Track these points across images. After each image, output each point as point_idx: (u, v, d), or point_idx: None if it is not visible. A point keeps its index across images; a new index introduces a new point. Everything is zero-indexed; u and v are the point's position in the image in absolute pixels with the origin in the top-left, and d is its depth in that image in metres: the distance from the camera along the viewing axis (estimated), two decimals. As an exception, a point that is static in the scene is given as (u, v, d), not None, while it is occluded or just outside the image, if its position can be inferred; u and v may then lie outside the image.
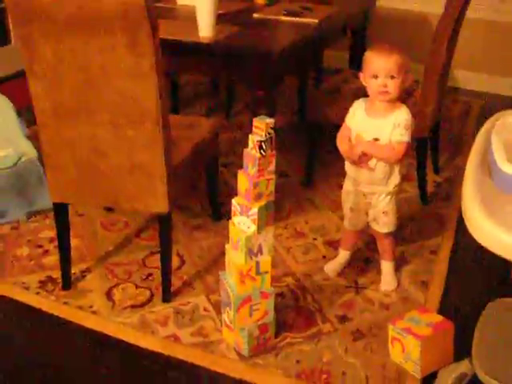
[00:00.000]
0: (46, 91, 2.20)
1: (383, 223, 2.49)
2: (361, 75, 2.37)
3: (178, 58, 2.77)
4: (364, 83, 2.36)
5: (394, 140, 2.31)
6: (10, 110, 3.21)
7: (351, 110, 2.42)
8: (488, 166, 1.46)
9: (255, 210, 2.02)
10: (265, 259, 2.10)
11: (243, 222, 2.05)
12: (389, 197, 2.45)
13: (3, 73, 4.29)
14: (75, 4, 2.02)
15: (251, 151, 2.01)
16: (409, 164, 3.63)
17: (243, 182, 2.06)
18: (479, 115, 4.50)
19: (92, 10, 2.00)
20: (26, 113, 3.43)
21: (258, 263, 2.09)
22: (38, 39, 2.10)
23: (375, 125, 2.33)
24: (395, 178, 2.43)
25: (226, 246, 2.18)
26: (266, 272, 2.13)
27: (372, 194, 2.45)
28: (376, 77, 2.28)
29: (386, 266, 2.60)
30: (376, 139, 2.32)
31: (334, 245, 2.84)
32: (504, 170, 1.34)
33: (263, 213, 2.06)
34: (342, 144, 2.43)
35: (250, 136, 2.03)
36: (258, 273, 2.11)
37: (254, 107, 2.72)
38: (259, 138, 1.98)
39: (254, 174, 2.00)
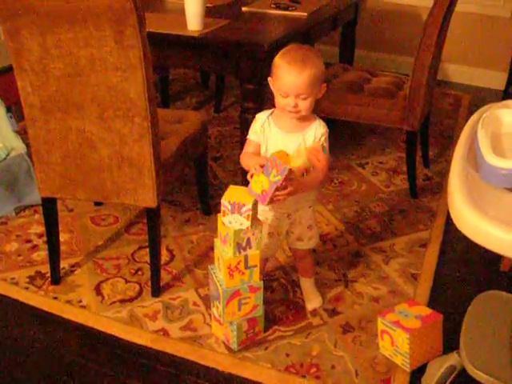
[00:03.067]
0: (33, 86, 2.19)
1: (309, 238, 2.34)
2: (269, 79, 2.13)
3: (167, 52, 2.76)
4: (271, 88, 2.13)
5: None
6: (-1, 105, 3.20)
7: (256, 124, 2.18)
8: (474, 158, 1.47)
9: (249, 206, 2.01)
10: (253, 253, 2.10)
11: (235, 220, 2.04)
12: (311, 208, 2.31)
13: (-9, 68, 4.26)
14: (62, -3, 2.01)
15: (281, 161, 1.98)
16: (399, 158, 3.65)
17: (261, 182, 2.01)
18: (469, 109, 4.52)
19: (79, 2, 1.99)
20: (16, 108, 3.42)
21: (246, 257, 2.09)
22: (25, 34, 2.09)
23: (293, 140, 2.14)
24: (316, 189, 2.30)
25: (215, 240, 2.17)
26: (255, 266, 2.12)
27: (296, 211, 2.27)
28: (286, 95, 2.06)
29: (310, 283, 2.48)
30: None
31: (322, 238, 2.84)
32: (489, 162, 1.34)
33: (255, 208, 2.06)
34: (248, 158, 2.18)
35: (291, 155, 2.06)
36: (246, 267, 2.11)
37: (243, 100, 2.71)
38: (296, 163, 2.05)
39: (276, 181, 1.97)
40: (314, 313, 2.41)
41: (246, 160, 2.18)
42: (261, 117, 2.19)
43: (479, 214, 1.26)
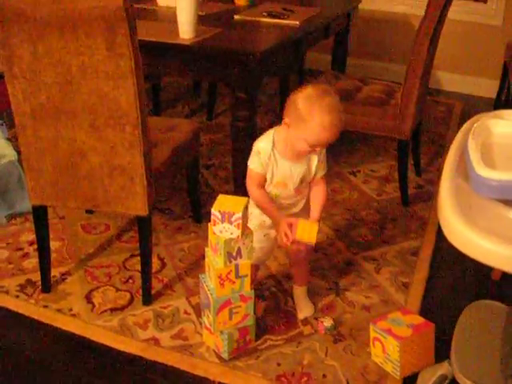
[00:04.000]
0: (24, 93, 2.19)
1: None
2: (286, 120, 2.09)
3: (159, 60, 2.76)
4: (287, 127, 2.10)
5: (320, 175, 2.24)
6: (-10, 111, 3.19)
7: (262, 158, 2.15)
8: (465, 168, 1.47)
9: (239, 215, 2.01)
10: (244, 262, 2.09)
11: (225, 229, 2.04)
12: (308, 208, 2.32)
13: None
14: (53, 6, 2.00)
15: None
16: (390, 166, 3.66)
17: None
18: (460, 117, 4.53)
19: (70, 11, 1.99)
20: (7, 115, 3.41)
21: (237, 266, 2.09)
22: (16, 41, 2.09)
23: (299, 169, 2.18)
24: None
25: (206, 250, 2.17)
26: (246, 275, 2.12)
27: (296, 215, 2.27)
28: (312, 147, 2.09)
29: (302, 291, 2.47)
30: (301, 181, 2.21)
31: (315, 247, 2.83)
32: (479, 174, 1.34)
33: (245, 217, 2.06)
34: (266, 205, 2.19)
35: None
36: (237, 276, 2.10)
37: (235, 109, 2.71)
38: None
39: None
40: (305, 322, 2.40)
41: (263, 204, 2.20)
42: (265, 150, 2.15)
43: (469, 225, 1.26)
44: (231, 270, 2.08)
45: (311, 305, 2.46)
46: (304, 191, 2.27)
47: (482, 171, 1.34)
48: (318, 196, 2.27)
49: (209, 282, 2.18)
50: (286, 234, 2.15)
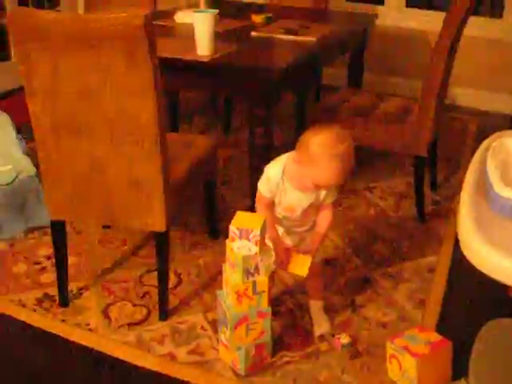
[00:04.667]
0: (44, 108, 2.21)
1: (315, 250, 2.35)
2: (296, 157, 2.15)
3: (177, 76, 2.78)
4: (297, 163, 2.15)
5: (327, 202, 2.28)
6: (9, 126, 3.22)
7: (271, 185, 2.20)
8: (484, 188, 1.47)
9: (257, 232, 2.02)
10: (261, 279, 2.10)
11: (243, 245, 2.05)
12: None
13: (3, 88, 4.30)
14: (75, 23, 2.03)
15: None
16: (407, 182, 3.65)
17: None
18: (476, 133, 4.52)
19: (92, 29, 2.02)
20: (25, 129, 3.44)
21: (254, 283, 2.09)
22: (37, 56, 2.11)
23: (308, 197, 2.23)
24: None
25: (223, 266, 2.18)
26: (263, 292, 2.12)
27: (304, 231, 2.36)
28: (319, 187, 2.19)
29: (319, 307, 2.47)
30: (310, 206, 2.25)
31: (331, 263, 2.84)
32: (499, 193, 1.34)
33: (263, 233, 2.06)
34: (270, 227, 2.23)
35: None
36: (254, 292, 2.11)
37: (252, 126, 2.72)
38: None
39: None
40: (322, 338, 2.40)
41: (267, 225, 2.20)
42: (275, 177, 2.20)
43: (488, 244, 1.26)
44: (249, 287, 2.09)
45: (328, 321, 2.45)
46: (311, 214, 2.30)
47: (502, 191, 1.34)
48: (322, 222, 2.31)
49: (226, 298, 2.18)
50: (281, 261, 2.25)
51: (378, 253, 2.97)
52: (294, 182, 2.19)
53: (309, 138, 2.10)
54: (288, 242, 2.34)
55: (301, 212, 2.25)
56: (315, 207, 2.27)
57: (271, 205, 2.25)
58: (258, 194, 2.26)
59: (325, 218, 2.30)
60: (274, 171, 2.21)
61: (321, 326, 2.43)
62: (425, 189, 3.28)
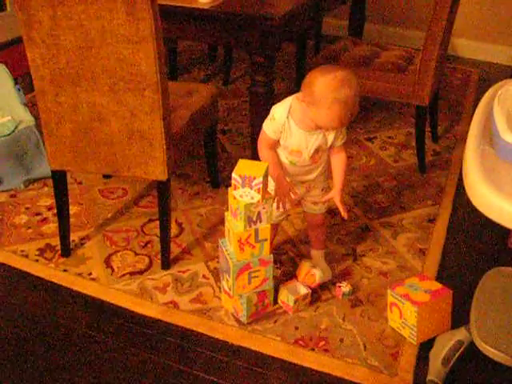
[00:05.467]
0: (44, 58, 2.18)
1: (323, 202, 2.38)
2: (301, 96, 2.10)
3: (177, 24, 2.74)
4: (301, 102, 2.11)
5: (338, 145, 2.24)
6: (7, 77, 3.18)
7: (276, 125, 2.16)
8: (490, 134, 1.46)
9: (260, 179, 2.01)
10: (264, 227, 2.10)
11: (245, 193, 2.05)
12: (325, 173, 2.35)
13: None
14: (73, -31, 2.00)
15: None
16: (407, 132, 3.64)
17: None
18: (478, 84, 4.49)
19: (90, -26, 1.98)
20: (23, 80, 3.41)
21: (256, 231, 2.10)
22: (35, 5, 2.07)
23: (314, 139, 2.18)
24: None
25: (226, 214, 2.18)
26: (265, 239, 2.13)
27: (311, 179, 2.32)
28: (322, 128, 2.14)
29: (320, 255, 2.49)
30: (317, 150, 2.21)
31: (332, 213, 2.85)
32: (505, 139, 1.34)
33: (265, 181, 2.06)
34: (272, 166, 2.19)
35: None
36: (257, 240, 2.12)
37: (253, 74, 2.70)
38: None
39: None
40: (324, 287, 2.41)
41: (269, 165, 2.17)
42: (280, 117, 2.15)
43: (494, 190, 1.26)
44: (251, 234, 2.09)
45: (329, 269, 2.47)
46: (319, 160, 2.26)
47: (508, 137, 1.34)
48: (338, 165, 2.28)
49: (228, 246, 2.19)
50: (285, 197, 2.22)
51: (379, 203, 2.98)
52: (300, 121, 2.15)
53: (315, 77, 2.05)
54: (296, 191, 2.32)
55: (308, 156, 2.21)
56: (323, 152, 2.24)
57: (274, 146, 2.21)
58: (261, 134, 2.22)
59: (339, 160, 2.27)
60: (279, 111, 2.17)
61: (323, 272, 2.44)
62: (425, 139, 3.27)
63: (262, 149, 2.23)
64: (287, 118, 2.15)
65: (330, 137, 2.19)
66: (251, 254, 2.14)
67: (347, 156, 2.30)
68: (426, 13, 3.18)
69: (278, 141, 2.20)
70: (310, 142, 2.18)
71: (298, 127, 2.15)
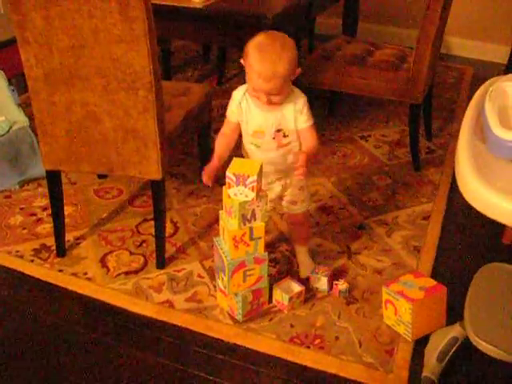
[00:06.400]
0: (37, 58, 2.18)
1: (302, 201, 2.38)
2: (242, 62, 2.12)
3: (171, 24, 2.75)
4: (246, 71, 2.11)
5: (302, 128, 2.18)
6: (1, 78, 3.18)
7: (233, 104, 2.19)
8: (481, 130, 1.47)
9: (254, 177, 2.01)
10: (258, 225, 2.11)
11: (240, 191, 2.05)
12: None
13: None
14: (66, -32, 2.00)
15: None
16: (401, 131, 3.65)
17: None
18: (471, 82, 4.50)
19: (83, -26, 1.98)
20: (17, 81, 3.41)
21: (251, 229, 2.10)
22: (28, 5, 2.08)
23: (273, 116, 2.15)
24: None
25: (220, 212, 2.18)
26: (260, 237, 2.13)
27: (286, 176, 2.30)
28: (257, 91, 2.08)
29: (304, 251, 2.50)
30: (278, 130, 2.17)
31: (327, 211, 2.86)
32: (497, 135, 1.34)
33: (259, 179, 2.06)
34: (217, 145, 2.26)
35: None
36: (251, 238, 2.12)
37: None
38: None
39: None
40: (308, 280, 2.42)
41: (216, 147, 2.25)
42: (237, 95, 2.18)
43: (487, 185, 1.27)
44: (246, 233, 2.10)
45: (313, 264, 2.47)
46: (287, 145, 2.21)
47: (500, 132, 1.34)
48: (304, 144, 2.22)
49: (223, 244, 2.19)
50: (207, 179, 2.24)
51: (373, 200, 2.98)
52: (256, 99, 2.13)
53: (250, 41, 2.08)
54: (272, 195, 2.31)
55: (270, 136, 2.17)
56: (288, 134, 2.19)
57: (231, 133, 2.25)
58: (224, 121, 2.25)
59: (306, 139, 2.20)
60: (237, 90, 2.20)
61: (307, 268, 2.46)
62: (419, 137, 3.28)
63: (219, 135, 2.26)
64: (244, 95, 2.16)
65: (290, 116, 2.15)
66: (246, 252, 2.14)
67: (340, 154, 2.28)
68: (419, 11, 3.18)
69: (240, 130, 2.22)
70: (269, 120, 2.15)
71: (255, 107, 2.15)
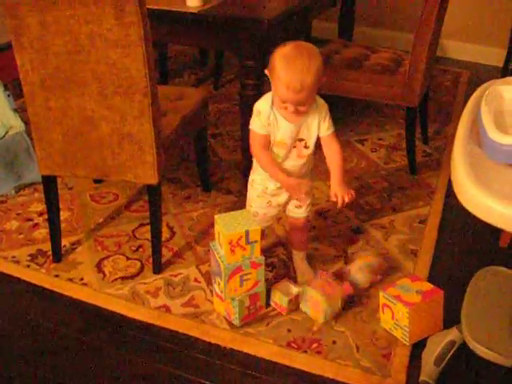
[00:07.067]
0: (33, 63, 2.18)
1: (307, 205, 2.38)
2: (267, 73, 2.12)
3: (166, 28, 2.74)
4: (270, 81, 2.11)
5: (325, 135, 2.21)
6: (-4, 82, 3.18)
7: (262, 119, 2.14)
8: (477, 134, 1.47)
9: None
10: (254, 228, 2.11)
11: None
12: (308, 176, 2.35)
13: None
14: (61, -26, 2.00)
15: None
16: (398, 134, 3.65)
17: None
18: (467, 85, 4.50)
19: (78, -21, 1.98)
20: (13, 86, 3.40)
21: (247, 233, 2.10)
22: (24, 10, 2.07)
23: (298, 125, 2.16)
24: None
25: (216, 217, 2.18)
26: (256, 241, 2.13)
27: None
28: (285, 102, 2.06)
29: (301, 256, 2.50)
30: (301, 140, 2.19)
31: (322, 214, 2.85)
32: (493, 139, 1.34)
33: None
34: (272, 167, 2.18)
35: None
36: (247, 242, 2.11)
37: (243, 77, 2.70)
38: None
39: None
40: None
41: (269, 165, 2.19)
42: (264, 109, 2.14)
43: (482, 189, 1.27)
44: (242, 236, 2.09)
45: (311, 269, 2.47)
46: (306, 155, 2.23)
47: (496, 136, 1.34)
48: (332, 156, 2.24)
49: (219, 249, 2.19)
50: (300, 193, 2.20)
51: (370, 204, 2.98)
52: (280, 110, 2.12)
53: (276, 51, 2.06)
54: (282, 199, 2.32)
55: (292, 146, 2.18)
56: (309, 146, 2.21)
57: (267, 144, 2.18)
58: (251, 136, 2.19)
59: (332, 150, 2.24)
60: (262, 103, 2.16)
61: (304, 274, 2.46)
62: (416, 141, 3.28)
63: (257, 152, 2.20)
64: (271, 108, 2.13)
65: (314, 126, 2.17)
66: (242, 257, 2.13)
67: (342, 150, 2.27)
68: (414, 15, 3.18)
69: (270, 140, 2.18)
70: (292, 130, 2.15)
71: (283, 118, 2.14)
